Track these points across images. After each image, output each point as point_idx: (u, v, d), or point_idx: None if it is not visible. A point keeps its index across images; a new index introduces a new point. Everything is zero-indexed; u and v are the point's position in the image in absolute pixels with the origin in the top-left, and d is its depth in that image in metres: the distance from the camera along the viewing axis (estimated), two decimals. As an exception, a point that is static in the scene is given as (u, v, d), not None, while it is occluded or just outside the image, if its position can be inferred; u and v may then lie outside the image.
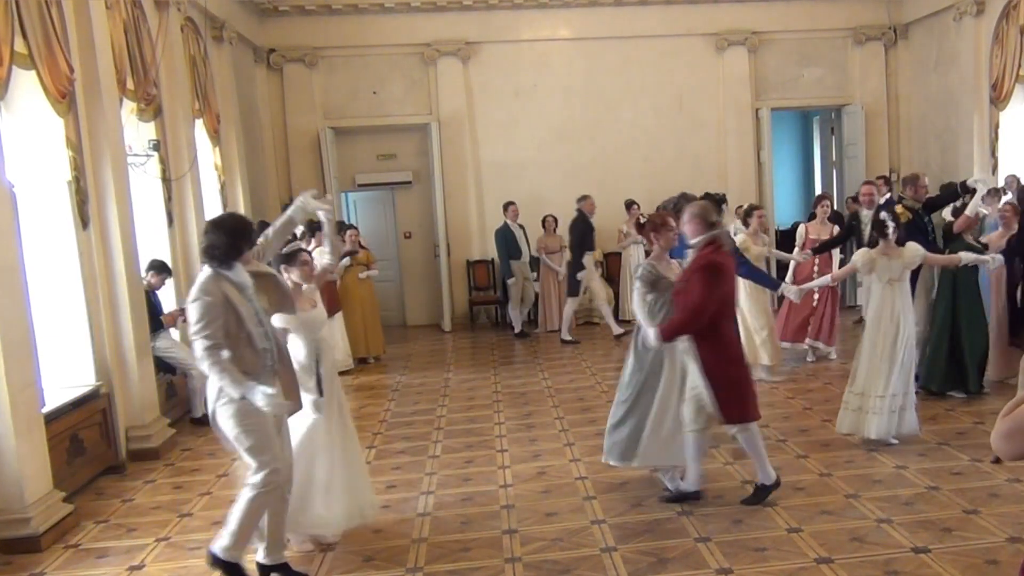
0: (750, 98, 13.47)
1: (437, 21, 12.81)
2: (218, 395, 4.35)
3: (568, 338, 11.43)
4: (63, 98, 6.25)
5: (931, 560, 4.45)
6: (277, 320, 4.74)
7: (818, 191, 14.78)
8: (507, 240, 12.18)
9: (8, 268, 5.41)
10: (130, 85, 7.58)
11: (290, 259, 5.07)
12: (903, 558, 4.50)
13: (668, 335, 5.14)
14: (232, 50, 10.94)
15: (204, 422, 8.03)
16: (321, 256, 6.67)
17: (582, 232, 11.55)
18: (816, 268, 9.27)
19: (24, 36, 5.77)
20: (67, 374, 6.62)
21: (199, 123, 9.42)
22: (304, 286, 5.11)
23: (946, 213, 9.07)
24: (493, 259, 13.02)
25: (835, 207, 11.83)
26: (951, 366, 7.38)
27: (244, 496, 4.42)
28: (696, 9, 13.15)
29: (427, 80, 13.06)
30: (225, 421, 4.36)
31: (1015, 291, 7.94)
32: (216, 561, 4.49)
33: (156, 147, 8.13)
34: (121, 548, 5.31)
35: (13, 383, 5.26)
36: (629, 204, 12.23)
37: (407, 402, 8.74)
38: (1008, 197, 9.74)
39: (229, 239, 4.33)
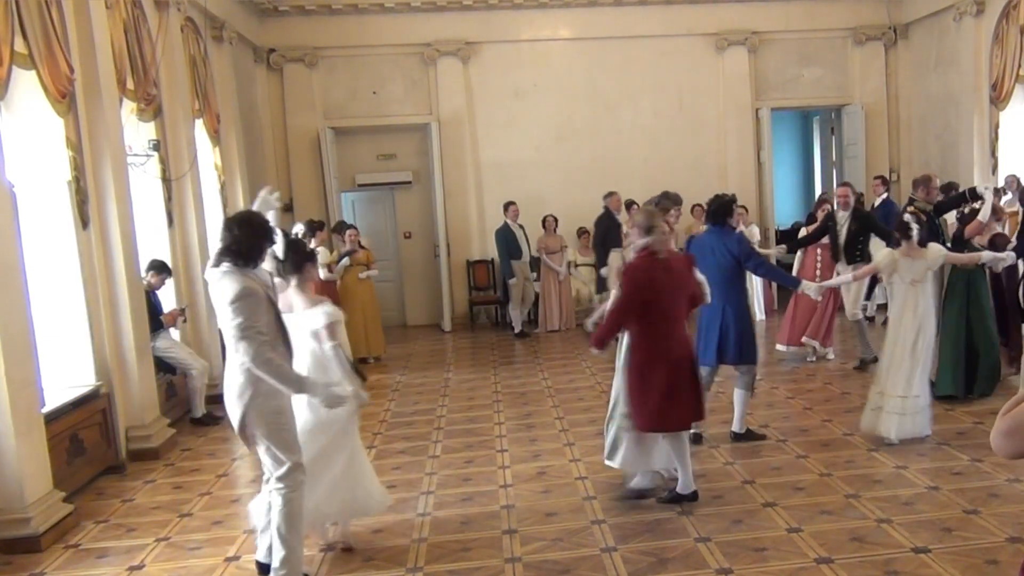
0: (750, 98, 13.47)
1: (437, 21, 12.81)
2: (251, 396, 4.19)
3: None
4: (63, 98, 6.25)
5: (931, 560, 4.45)
6: (324, 316, 4.64)
7: (818, 191, 14.81)
8: (507, 240, 12.17)
9: (8, 268, 5.41)
10: (130, 85, 7.58)
11: (311, 257, 4.96)
12: (903, 558, 4.49)
13: (593, 341, 5.43)
14: (232, 50, 10.94)
15: (204, 422, 8.07)
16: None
17: (606, 228, 11.25)
18: (819, 271, 9.22)
19: (24, 36, 5.77)
20: (67, 374, 6.61)
21: (199, 123, 9.41)
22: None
23: (949, 217, 9.01)
24: (493, 259, 13.01)
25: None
26: (965, 369, 7.31)
27: (276, 508, 4.26)
28: (696, 9, 13.15)
29: (427, 80, 13.05)
30: (259, 420, 4.21)
31: (1009, 293, 7.91)
32: None
33: (156, 147, 8.13)
34: (121, 548, 5.31)
35: (13, 383, 5.26)
36: (629, 204, 12.20)
37: (407, 402, 8.74)
38: (1008, 197, 9.74)
39: (255, 238, 4.21)
